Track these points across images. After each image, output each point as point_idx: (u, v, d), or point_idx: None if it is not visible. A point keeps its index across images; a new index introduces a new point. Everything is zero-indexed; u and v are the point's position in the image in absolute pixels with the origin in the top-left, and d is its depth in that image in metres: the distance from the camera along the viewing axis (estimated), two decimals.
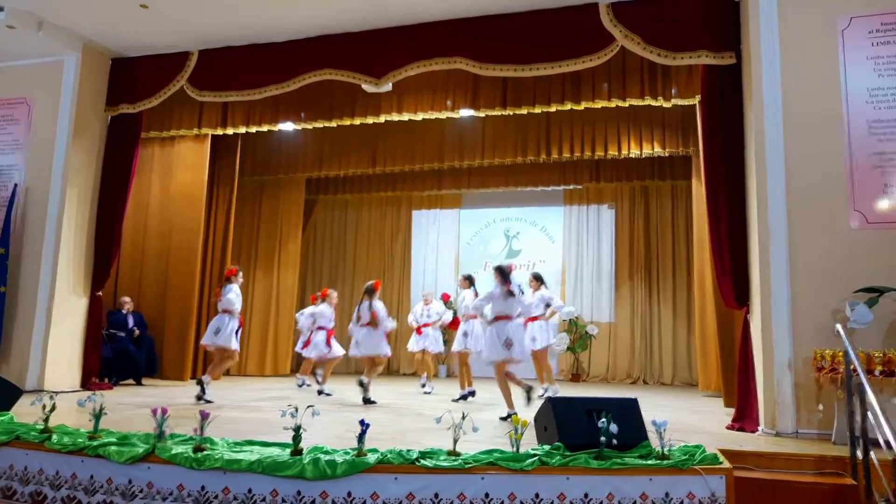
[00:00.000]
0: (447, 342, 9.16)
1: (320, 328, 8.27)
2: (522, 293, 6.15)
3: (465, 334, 7.49)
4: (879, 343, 4.79)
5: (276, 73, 7.35)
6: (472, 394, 7.37)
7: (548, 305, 7.62)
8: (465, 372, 7.53)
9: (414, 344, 8.62)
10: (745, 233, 5.75)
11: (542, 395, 7.07)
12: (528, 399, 5.79)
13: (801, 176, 5.23)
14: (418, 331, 8.59)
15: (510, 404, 5.85)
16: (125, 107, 7.90)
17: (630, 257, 10.79)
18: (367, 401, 6.75)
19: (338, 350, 8.25)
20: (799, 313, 5.07)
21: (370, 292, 7.12)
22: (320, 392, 7.60)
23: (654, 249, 10.71)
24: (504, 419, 5.63)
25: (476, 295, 7.27)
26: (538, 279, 7.77)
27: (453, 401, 7.20)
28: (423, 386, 8.33)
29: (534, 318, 7.46)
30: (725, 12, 6.06)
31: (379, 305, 7.10)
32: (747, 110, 5.77)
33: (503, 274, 6.01)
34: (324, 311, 8.36)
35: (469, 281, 7.70)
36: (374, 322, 6.98)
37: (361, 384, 6.79)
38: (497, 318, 5.91)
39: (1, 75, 8.01)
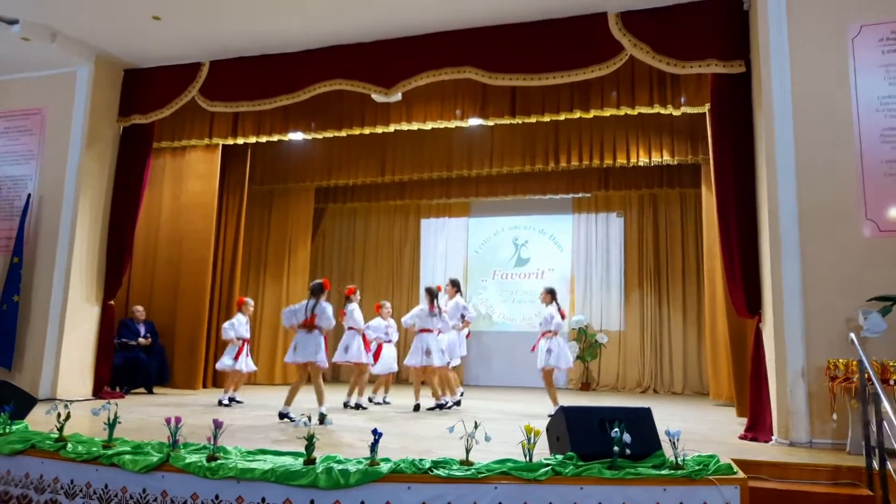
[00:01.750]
0: None
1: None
2: (443, 312, 7.28)
3: (549, 350, 6.89)
4: (893, 352, 4.75)
5: (286, 83, 7.40)
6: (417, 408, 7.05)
7: (462, 317, 7.56)
8: (548, 387, 7.08)
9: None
10: (756, 241, 5.73)
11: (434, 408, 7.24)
12: (415, 408, 7.02)
13: (812, 184, 5.21)
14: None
15: (417, 396, 7.12)
16: (137, 117, 7.97)
17: (639, 265, 10.77)
18: (284, 416, 6.07)
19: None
20: (811, 322, 5.04)
21: (317, 292, 6.25)
22: (225, 402, 7.22)
23: (664, 257, 10.68)
24: (415, 409, 6.99)
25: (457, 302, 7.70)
26: (454, 285, 7.70)
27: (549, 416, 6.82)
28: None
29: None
30: (734, 21, 6.07)
31: (325, 306, 6.22)
32: (757, 119, 5.77)
33: (431, 294, 7.24)
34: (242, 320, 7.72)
35: (455, 287, 7.77)
36: (312, 325, 6.15)
37: (286, 416, 6.04)
38: (421, 331, 7.18)
39: (15, 86, 8.12)
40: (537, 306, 10.93)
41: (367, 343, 7.47)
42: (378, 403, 7.73)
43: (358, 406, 7.18)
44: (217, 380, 9.42)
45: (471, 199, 11.29)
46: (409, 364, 7.21)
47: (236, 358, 7.46)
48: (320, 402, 6.02)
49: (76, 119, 7.74)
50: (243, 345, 7.58)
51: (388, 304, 8.08)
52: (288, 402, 6.12)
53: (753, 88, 5.89)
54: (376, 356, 7.74)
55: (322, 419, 5.75)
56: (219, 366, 7.64)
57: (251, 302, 8.03)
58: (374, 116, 7.78)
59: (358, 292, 7.71)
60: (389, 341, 7.96)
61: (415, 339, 7.25)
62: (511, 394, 9.45)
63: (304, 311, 6.19)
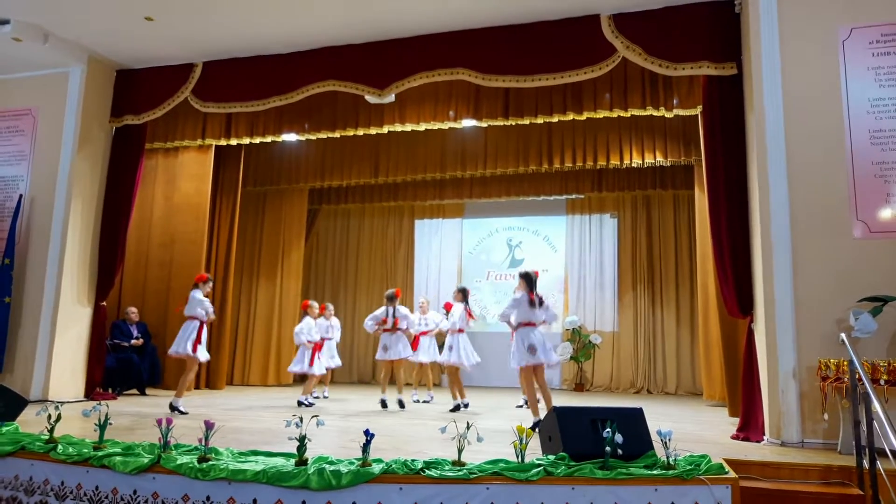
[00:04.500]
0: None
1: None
2: (542, 303, 5.98)
3: (451, 348, 7.32)
4: (884, 352, 4.79)
5: (279, 84, 7.40)
6: (466, 405, 7.28)
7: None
8: (455, 383, 7.37)
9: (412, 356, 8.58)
10: (748, 242, 5.76)
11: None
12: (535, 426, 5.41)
13: (803, 185, 5.25)
14: (416, 340, 8.49)
15: (535, 412, 5.81)
16: (129, 118, 7.95)
17: (633, 266, 10.79)
18: (401, 402, 7.31)
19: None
20: (803, 322, 5.07)
21: (392, 299, 7.56)
22: (305, 402, 7.51)
23: (657, 258, 10.71)
24: (533, 429, 5.15)
25: (467, 309, 7.47)
26: (462, 292, 7.53)
27: (450, 410, 7.16)
28: (420, 399, 8.35)
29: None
30: (726, 23, 6.10)
31: (403, 310, 7.63)
32: (749, 121, 5.80)
33: (529, 281, 5.99)
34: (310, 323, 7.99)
35: (463, 294, 7.49)
36: (396, 328, 7.50)
37: (385, 404, 7.21)
38: (521, 325, 5.91)
39: (6, 87, 8.08)
40: None
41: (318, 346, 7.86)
42: (317, 398, 8.23)
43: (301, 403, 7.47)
44: (210, 381, 9.39)
45: (465, 201, 11.29)
46: (518, 364, 5.89)
47: (311, 363, 7.59)
48: (400, 389, 7.39)
49: (68, 120, 7.71)
50: (315, 348, 7.72)
51: (331, 306, 8.81)
52: (400, 390, 7.43)
53: (745, 90, 5.92)
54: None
55: (401, 404, 7.30)
56: (289, 369, 8.00)
57: (315, 304, 8.10)
58: (367, 117, 7.77)
59: (331, 307, 8.80)
60: (330, 339, 8.59)
61: (515, 334, 6.02)
62: (504, 394, 9.45)
63: (388, 317, 7.44)
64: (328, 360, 8.39)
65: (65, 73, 7.79)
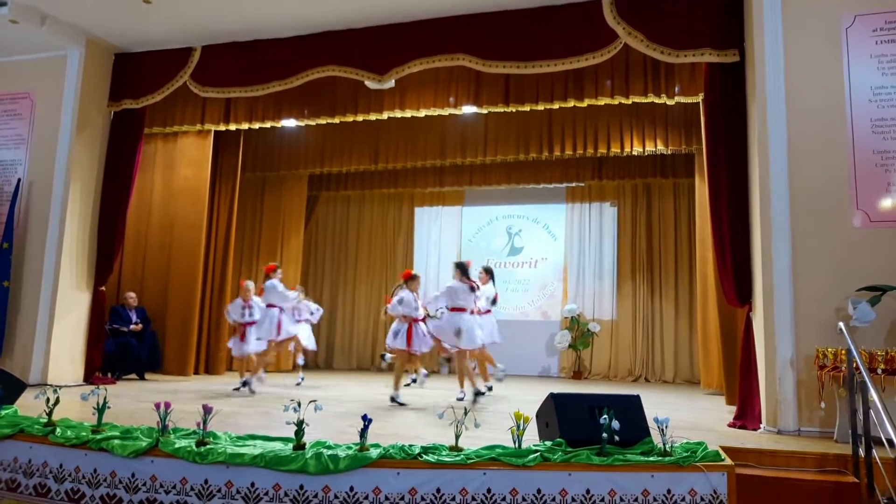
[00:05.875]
0: None
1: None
2: (479, 289, 6.70)
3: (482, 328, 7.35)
4: (882, 341, 4.79)
5: (279, 69, 7.34)
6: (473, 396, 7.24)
7: (494, 301, 7.63)
8: (482, 367, 7.41)
9: None
10: (748, 231, 5.74)
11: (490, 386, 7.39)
12: (475, 397, 6.56)
13: (804, 174, 5.22)
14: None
15: (473, 382, 6.55)
16: (128, 102, 7.90)
17: (632, 255, 10.78)
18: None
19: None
20: (801, 311, 5.07)
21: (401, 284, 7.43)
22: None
23: (657, 247, 10.70)
24: (460, 399, 6.62)
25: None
26: (488, 273, 7.74)
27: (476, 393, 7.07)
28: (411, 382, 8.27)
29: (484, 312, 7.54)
30: (729, 10, 6.04)
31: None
32: (750, 108, 5.76)
33: (463, 270, 6.65)
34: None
35: (489, 273, 7.66)
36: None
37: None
38: (452, 310, 6.52)
39: (4, 70, 8.02)
40: (531, 295, 11.08)
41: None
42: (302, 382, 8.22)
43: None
44: (209, 366, 9.43)
45: (464, 188, 11.25)
46: (444, 345, 6.64)
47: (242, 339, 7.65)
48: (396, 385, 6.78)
49: (66, 103, 7.65)
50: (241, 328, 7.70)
51: (300, 287, 8.74)
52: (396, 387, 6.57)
53: (747, 78, 5.88)
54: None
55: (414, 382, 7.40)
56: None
57: (250, 285, 7.94)
58: (367, 103, 7.73)
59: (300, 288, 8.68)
60: (302, 321, 8.53)
61: (445, 317, 6.61)
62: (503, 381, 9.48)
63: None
64: (308, 341, 8.51)
65: (63, 57, 7.73)
